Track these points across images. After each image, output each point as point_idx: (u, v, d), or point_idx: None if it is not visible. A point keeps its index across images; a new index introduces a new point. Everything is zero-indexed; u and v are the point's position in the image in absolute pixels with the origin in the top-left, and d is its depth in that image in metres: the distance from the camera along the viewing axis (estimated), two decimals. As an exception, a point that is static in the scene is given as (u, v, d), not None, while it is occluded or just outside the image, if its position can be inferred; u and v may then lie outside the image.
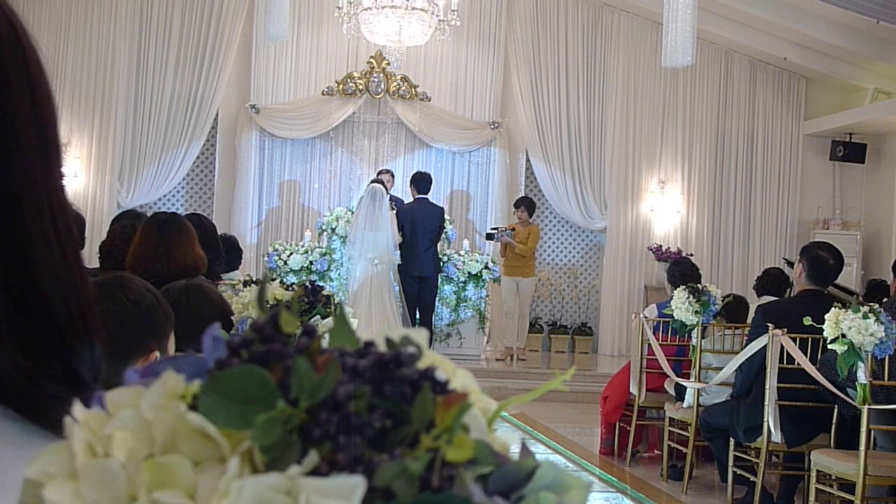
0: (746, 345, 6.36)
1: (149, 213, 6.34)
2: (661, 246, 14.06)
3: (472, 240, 13.44)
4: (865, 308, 5.33)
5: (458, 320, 12.41)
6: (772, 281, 8.20)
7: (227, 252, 6.41)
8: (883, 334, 5.27)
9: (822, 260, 6.21)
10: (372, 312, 11.32)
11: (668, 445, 7.53)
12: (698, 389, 7.08)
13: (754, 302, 7.82)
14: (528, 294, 12.55)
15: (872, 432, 5.42)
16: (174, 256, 3.91)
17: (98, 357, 0.88)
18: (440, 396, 0.55)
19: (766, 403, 6.03)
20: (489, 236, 12.69)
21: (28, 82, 0.85)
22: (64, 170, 0.91)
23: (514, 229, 12.41)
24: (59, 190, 0.88)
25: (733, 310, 7.47)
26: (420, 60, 13.95)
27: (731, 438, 6.55)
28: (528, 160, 14.45)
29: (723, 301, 7.37)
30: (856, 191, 14.67)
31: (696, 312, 7.10)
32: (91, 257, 5.64)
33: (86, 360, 0.86)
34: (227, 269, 6.22)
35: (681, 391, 7.40)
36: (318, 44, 14.01)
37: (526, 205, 12.49)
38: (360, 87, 13.85)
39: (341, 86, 13.82)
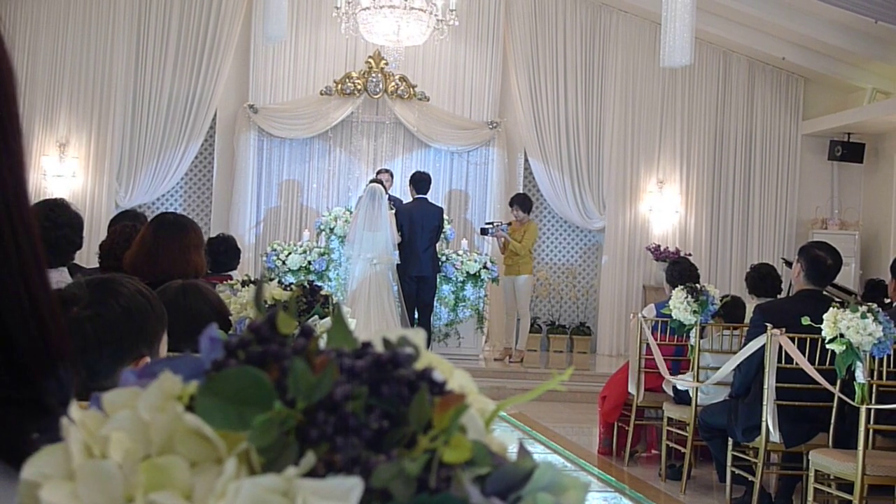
0: (745, 344, 6.36)
1: (147, 213, 6.34)
2: (659, 246, 14.07)
3: (470, 240, 13.44)
4: (864, 308, 5.33)
5: (457, 320, 12.40)
6: (762, 279, 8.20)
7: (226, 252, 6.42)
8: (881, 334, 5.28)
9: (821, 260, 6.21)
10: (370, 312, 11.32)
11: (667, 445, 7.53)
12: (697, 389, 7.08)
13: (749, 301, 7.82)
14: (525, 293, 12.43)
15: (871, 432, 5.42)
16: (169, 261, 3.89)
17: (64, 379, 0.76)
18: (438, 397, 0.55)
19: (764, 403, 6.03)
20: (483, 231, 12.66)
21: None
22: (26, 160, 0.77)
23: (510, 224, 12.36)
24: (18, 185, 0.74)
25: (731, 310, 7.47)
26: (418, 60, 13.94)
27: (730, 438, 6.55)
28: (526, 160, 14.45)
29: (721, 301, 7.38)
30: (854, 191, 14.68)
31: (695, 312, 7.11)
32: (90, 257, 5.65)
33: (49, 387, 0.75)
34: (225, 269, 6.23)
35: (678, 392, 7.41)
36: (316, 44, 14.00)
37: (519, 203, 12.38)
38: (359, 86, 13.85)
39: (339, 86, 13.82)
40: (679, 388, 7.32)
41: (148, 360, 2.06)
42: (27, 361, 0.73)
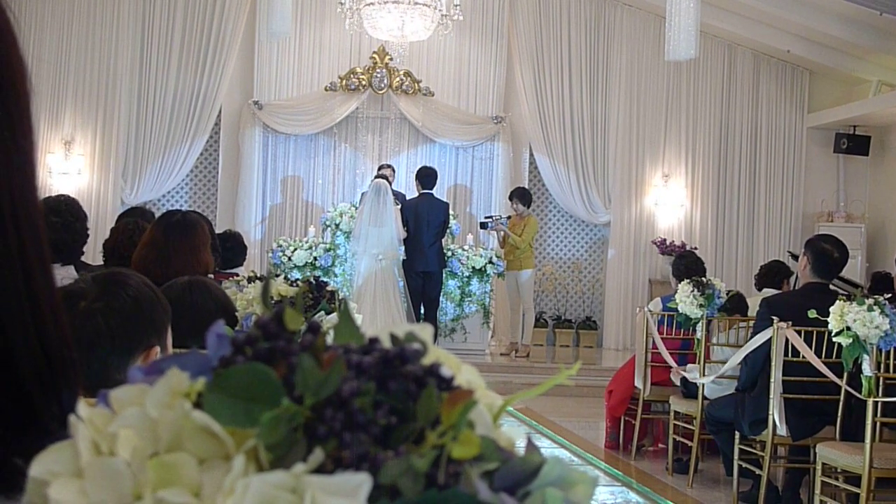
0: (751, 338, 6.36)
1: (153, 210, 6.34)
2: (665, 240, 14.06)
3: (475, 235, 13.43)
4: (870, 300, 5.33)
5: (463, 315, 12.40)
6: (768, 272, 8.22)
7: (231, 248, 6.42)
8: (888, 326, 5.27)
9: (827, 253, 6.19)
10: (376, 308, 11.32)
11: (674, 439, 7.53)
12: (703, 383, 7.07)
13: (753, 296, 7.82)
14: (528, 287, 12.41)
15: (878, 424, 5.42)
16: (181, 261, 3.89)
17: (67, 403, 0.70)
18: (445, 393, 0.55)
19: (771, 396, 6.03)
20: (483, 225, 12.63)
21: None
22: (36, 159, 0.73)
23: (509, 217, 12.33)
24: (26, 185, 0.71)
25: (736, 305, 7.48)
26: (423, 55, 13.94)
27: (737, 432, 6.54)
28: (531, 154, 14.44)
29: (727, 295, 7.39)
30: (860, 183, 14.66)
31: (701, 306, 7.10)
32: (95, 255, 5.66)
33: (50, 409, 0.70)
34: (232, 266, 6.23)
35: (687, 385, 7.40)
36: (320, 39, 14.00)
37: (518, 196, 12.34)
38: (363, 82, 13.84)
39: (344, 81, 13.82)
40: (690, 379, 7.30)
41: (158, 349, 2.08)
42: (23, 371, 0.69)
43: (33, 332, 0.70)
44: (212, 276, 4.29)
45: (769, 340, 6.04)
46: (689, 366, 7.35)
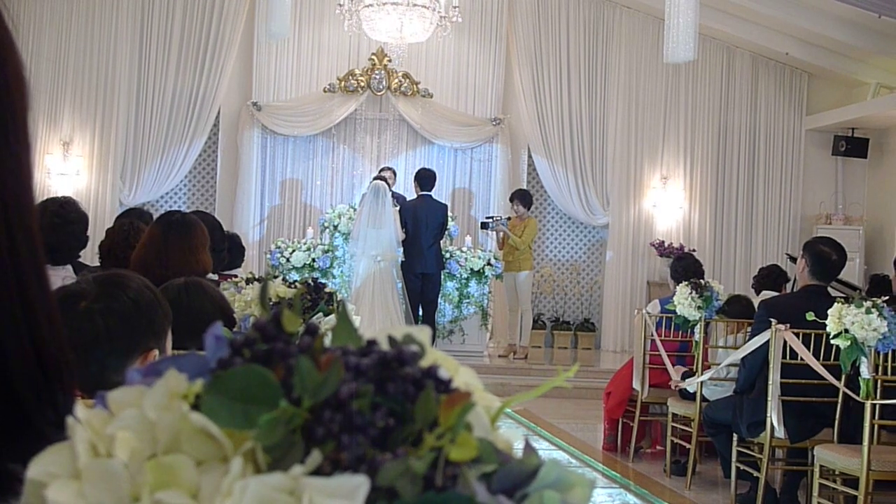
0: (749, 340, 6.36)
1: (152, 212, 6.33)
2: (663, 242, 14.06)
3: (474, 236, 13.44)
4: (868, 303, 5.33)
5: (461, 317, 12.40)
6: (768, 275, 8.21)
7: (230, 250, 6.42)
8: (886, 329, 5.27)
9: (825, 255, 6.20)
10: (375, 309, 11.32)
11: (672, 441, 7.53)
12: (701, 385, 7.07)
13: (753, 299, 7.82)
14: (526, 289, 12.40)
15: (876, 427, 5.42)
16: (175, 262, 3.88)
17: (63, 406, 0.70)
18: (443, 395, 0.55)
19: (769, 399, 6.03)
20: (483, 225, 12.64)
21: None
22: (32, 163, 0.73)
23: (509, 219, 12.33)
24: (20, 189, 0.71)
25: (736, 307, 7.49)
26: (421, 57, 13.94)
27: (735, 434, 6.54)
28: (529, 156, 14.45)
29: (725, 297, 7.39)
30: (858, 186, 14.67)
31: (699, 308, 7.10)
32: (92, 256, 5.66)
33: (45, 413, 0.70)
34: (230, 267, 6.23)
35: (685, 391, 7.40)
36: (319, 41, 14.00)
37: (519, 198, 12.34)
38: (362, 84, 13.84)
39: (343, 83, 13.82)
40: (691, 391, 7.29)
41: (157, 353, 2.08)
42: (17, 376, 0.69)
43: (27, 337, 0.70)
44: (215, 277, 4.29)
45: (767, 343, 6.04)
46: (689, 380, 7.33)
